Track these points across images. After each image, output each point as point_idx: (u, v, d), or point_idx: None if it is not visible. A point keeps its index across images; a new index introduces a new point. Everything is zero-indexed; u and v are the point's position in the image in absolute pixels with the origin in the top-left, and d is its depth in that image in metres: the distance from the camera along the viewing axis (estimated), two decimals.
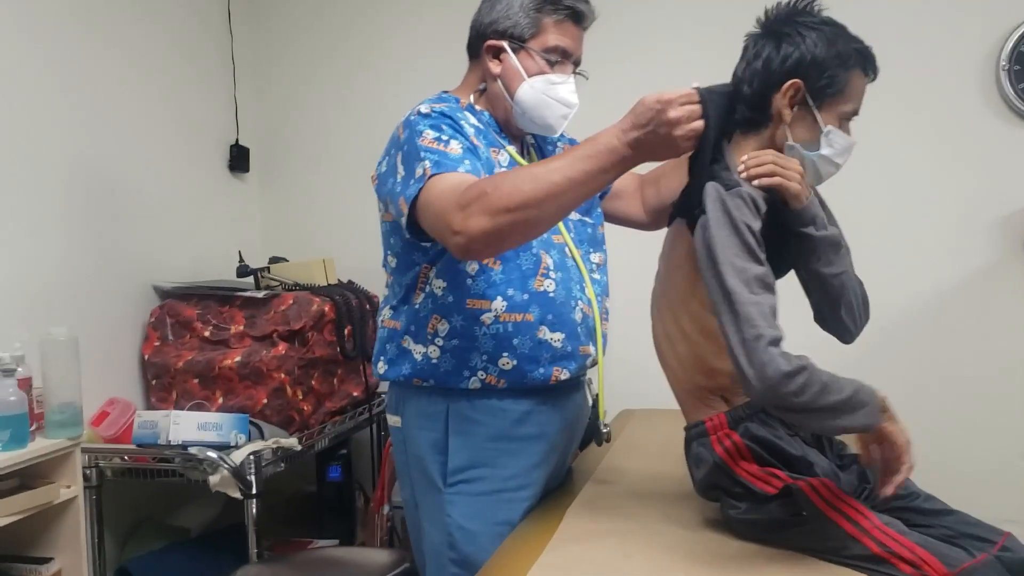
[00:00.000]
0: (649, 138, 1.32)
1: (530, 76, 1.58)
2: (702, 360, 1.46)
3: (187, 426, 2.04)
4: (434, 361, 1.57)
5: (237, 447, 2.10)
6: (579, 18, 1.61)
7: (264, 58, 3.23)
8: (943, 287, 2.67)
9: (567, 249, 1.64)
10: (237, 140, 3.15)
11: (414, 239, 1.50)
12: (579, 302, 1.62)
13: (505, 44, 1.59)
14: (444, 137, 1.48)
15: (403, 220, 1.46)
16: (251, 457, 2.07)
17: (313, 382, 2.46)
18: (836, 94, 1.41)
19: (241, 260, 2.74)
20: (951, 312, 2.65)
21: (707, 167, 1.39)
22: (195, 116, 2.95)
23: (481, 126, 1.61)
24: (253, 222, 3.24)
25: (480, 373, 1.55)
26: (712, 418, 1.47)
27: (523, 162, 1.63)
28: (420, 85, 2.83)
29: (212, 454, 2.02)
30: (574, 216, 1.68)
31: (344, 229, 3.10)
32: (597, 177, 1.34)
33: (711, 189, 1.34)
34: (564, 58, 1.60)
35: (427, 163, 1.43)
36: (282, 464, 2.21)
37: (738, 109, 1.43)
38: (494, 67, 1.61)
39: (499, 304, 1.54)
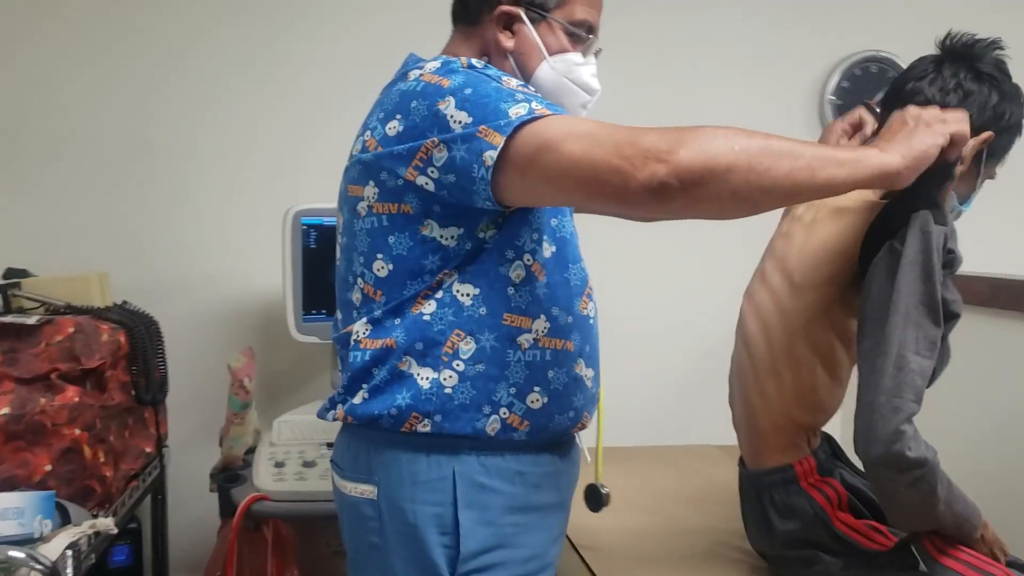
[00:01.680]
0: (907, 137, 1.13)
1: (551, 54, 1.30)
2: (811, 392, 1.29)
3: None
4: (447, 391, 1.21)
5: (43, 539, 1.47)
6: None
7: None
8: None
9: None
10: None
11: (491, 204, 1.13)
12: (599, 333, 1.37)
13: (522, 12, 1.29)
14: (530, 89, 1.19)
15: (488, 156, 1.08)
16: (68, 552, 1.46)
17: (112, 437, 1.84)
18: (1001, 159, 1.37)
19: None
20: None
21: (929, 190, 1.20)
22: None
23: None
24: None
25: (503, 411, 1.23)
26: (802, 461, 1.30)
27: None
28: (210, 57, 2.40)
29: (16, 552, 1.39)
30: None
31: (109, 236, 2.43)
32: (845, 182, 1.08)
33: (924, 219, 1.18)
34: (588, 34, 1.32)
35: (534, 104, 1.10)
36: (93, 556, 1.60)
37: None
38: (505, 40, 1.30)
39: (541, 325, 1.24)
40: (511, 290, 1.22)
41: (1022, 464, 2.00)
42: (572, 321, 1.27)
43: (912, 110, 1.17)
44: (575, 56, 1.32)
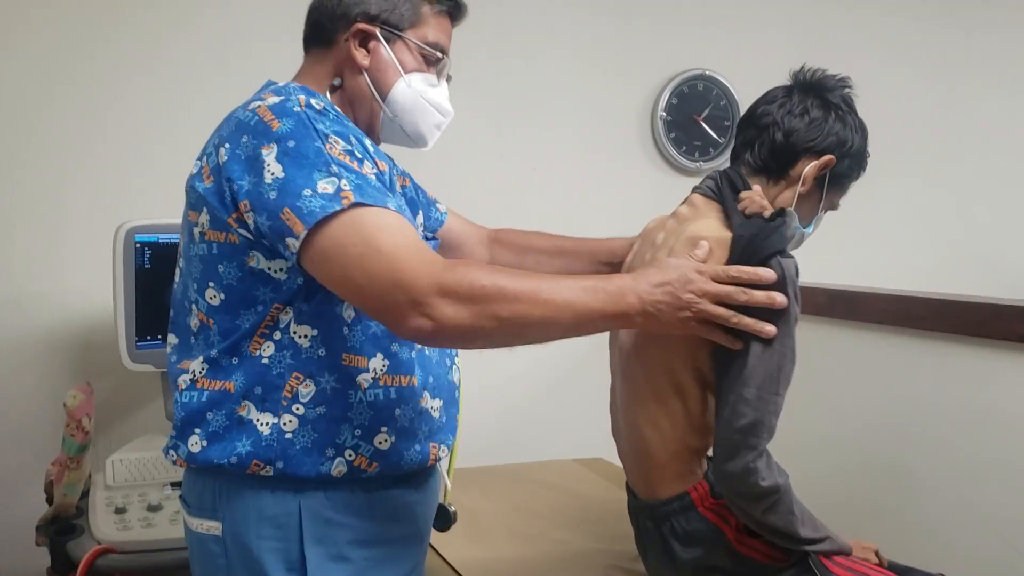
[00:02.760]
0: (667, 313, 1.17)
1: (407, 73, 1.32)
2: (700, 417, 1.33)
3: None
4: (288, 436, 1.19)
5: None
6: (457, 14, 1.39)
7: None
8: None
9: None
10: None
11: (294, 271, 1.16)
12: (453, 359, 1.36)
13: (378, 31, 1.31)
14: (357, 153, 1.17)
15: (291, 243, 1.10)
16: None
17: None
18: (846, 186, 1.45)
19: None
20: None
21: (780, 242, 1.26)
22: None
23: (369, 142, 1.26)
24: None
25: (348, 453, 1.21)
26: (697, 487, 1.33)
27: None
28: (35, 60, 2.13)
29: None
30: None
31: None
32: (595, 322, 1.16)
33: (777, 266, 1.22)
34: (442, 56, 1.35)
35: (343, 182, 1.11)
36: None
37: (759, 147, 1.39)
38: (361, 57, 1.31)
39: (379, 363, 1.22)
40: (346, 330, 1.20)
41: (852, 466, 2.16)
42: (414, 356, 1.25)
43: (686, 273, 1.17)
44: (430, 77, 1.34)
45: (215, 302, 1.19)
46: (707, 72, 2.82)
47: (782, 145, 1.37)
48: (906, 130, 3.02)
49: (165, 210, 2.14)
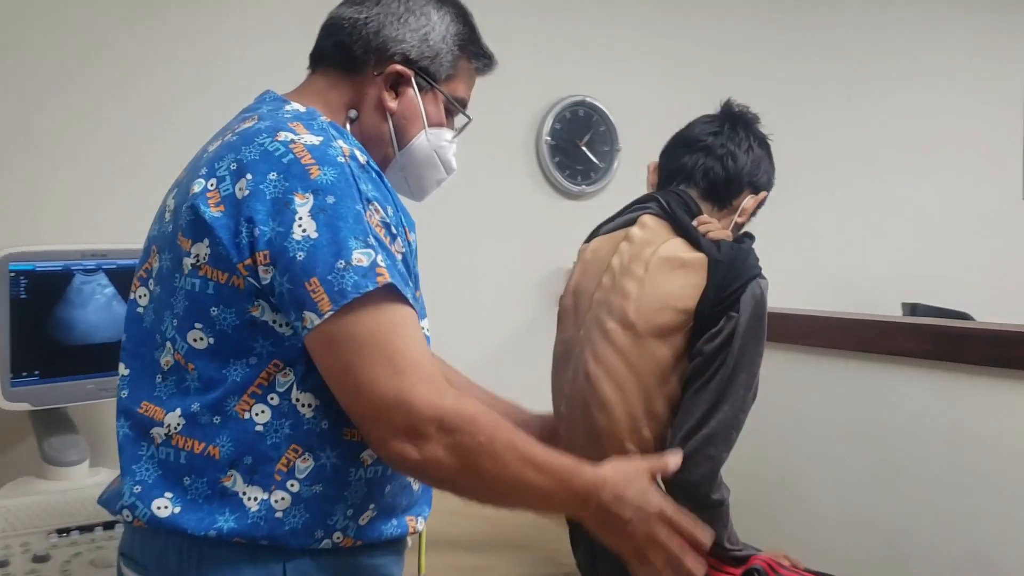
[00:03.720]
0: (619, 526, 1.08)
1: (430, 126, 1.25)
2: (665, 443, 1.33)
3: None
4: (278, 515, 1.06)
5: None
6: (488, 70, 1.34)
7: None
8: (501, 340, 2.80)
9: None
10: None
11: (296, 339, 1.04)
12: None
13: (413, 76, 1.22)
14: (393, 228, 1.08)
15: (308, 316, 0.99)
16: None
17: None
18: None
19: None
20: (507, 361, 2.76)
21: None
22: None
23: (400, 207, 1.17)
24: None
25: (337, 535, 1.10)
26: None
27: None
28: None
29: None
30: None
31: None
32: (551, 506, 1.10)
33: (755, 285, 1.32)
34: (460, 113, 1.30)
35: (379, 258, 1.01)
36: None
37: (709, 173, 1.47)
38: (390, 100, 1.22)
39: None
40: None
41: (742, 476, 2.25)
42: None
43: (655, 511, 1.09)
44: (448, 133, 1.28)
45: (200, 345, 1.05)
46: (587, 99, 2.90)
47: (733, 177, 1.46)
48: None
49: (45, 236, 2.01)
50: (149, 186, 2.14)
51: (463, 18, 1.27)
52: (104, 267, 1.90)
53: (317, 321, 0.98)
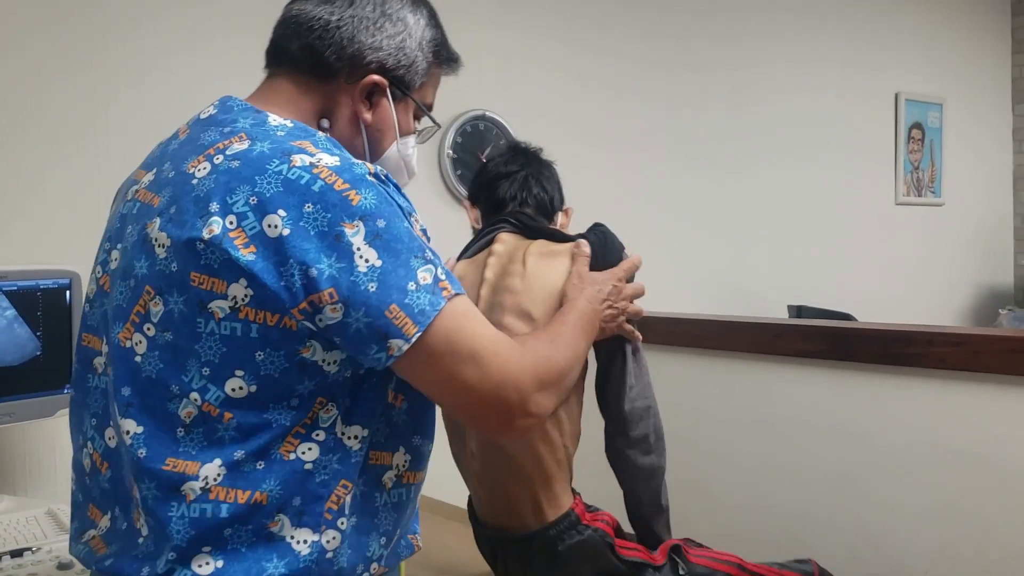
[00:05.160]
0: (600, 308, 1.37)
1: (401, 135, 1.20)
2: (577, 423, 1.47)
3: None
4: (329, 556, 1.02)
5: None
6: (454, 73, 1.28)
7: None
8: None
9: None
10: None
11: (346, 363, 1.02)
12: None
13: (388, 87, 1.16)
14: (427, 231, 1.08)
15: (395, 344, 0.97)
16: None
17: None
18: None
19: None
20: None
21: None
22: None
23: None
24: None
25: (374, 566, 1.08)
26: (576, 502, 1.43)
27: None
28: None
29: None
30: None
31: None
32: (588, 338, 1.32)
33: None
34: (430, 118, 1.27)
35: (439, 270, 1.01)
36: None
37: (537, 197, 1.61)
38: (365, 111, 1.16)
39: (401, 459, 1.10)
40: (381, 423, 1.08)
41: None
42: (431, 448, 1.15)
43: (611, 284, 1.41)
44: (412, 139, 1.24)
45: (240, 394, 0.98)
46: (487, 113, 2.95)
47: (552, 199, 1.64)
48: (654, 162, 3.36)
49: None
50: (47, 205, 2.10)
51: (435, 20, 1.22)
52: (4, 288, 1.83)
53: (406, 346, 0.96)
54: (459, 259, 1.61)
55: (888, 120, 4.31)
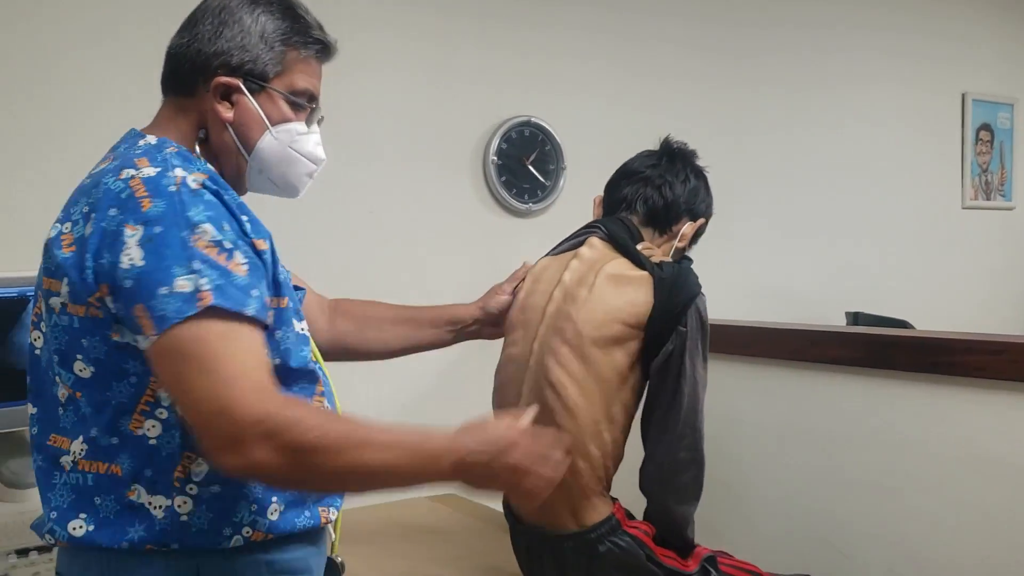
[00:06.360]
0: (482, 472, 1.14)
1: (274, 124, 1.28)
2: (622, 445, 1.47)
3: None
4: (183, 518, 1.14)
5: None
6: (326, 56, 1.34)
7: None
8: (450, 355, 2.79)
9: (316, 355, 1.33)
10: None
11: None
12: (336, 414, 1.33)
13: (241, 83, 1.25)
14: (227, 244, 1.10)
15: (140, 340, 1.08)
16: None
17: None
18: (698, 240, 1.70)
19: None
20: (456, 375, 2.77)
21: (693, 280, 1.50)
22: None
23: (247, 220, 1.20)
24: None
25: (246, 530, 1.17)
26: (616, 508, 1.45)
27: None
28: None
29: None
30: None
31: None
32: (407, 479, 1.14)
33: (701, 303, 1.44)
34: (310, 103, 1.32)
35: (203, 280, 1.06)
36: None
37: (648, 202, 1.58)
38: (224, 111, 1.25)
39: None
40: None
41: None
42: None
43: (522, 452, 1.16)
44: (298, 126, 1.30)
45: (85, 375, 1.13)
46: (533, 119, 2.95)
47: (671, 205, 1.58)
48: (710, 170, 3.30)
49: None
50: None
51: (283, 12, 1.28)
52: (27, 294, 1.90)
53: (146, 344, 1.06)
54: (547, 255, 1.64)
55: (955, 122, 4.18)
